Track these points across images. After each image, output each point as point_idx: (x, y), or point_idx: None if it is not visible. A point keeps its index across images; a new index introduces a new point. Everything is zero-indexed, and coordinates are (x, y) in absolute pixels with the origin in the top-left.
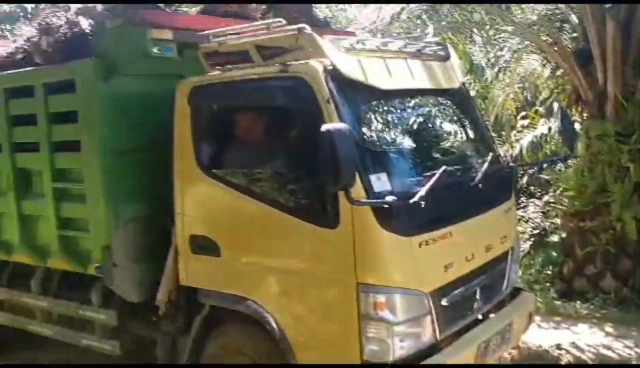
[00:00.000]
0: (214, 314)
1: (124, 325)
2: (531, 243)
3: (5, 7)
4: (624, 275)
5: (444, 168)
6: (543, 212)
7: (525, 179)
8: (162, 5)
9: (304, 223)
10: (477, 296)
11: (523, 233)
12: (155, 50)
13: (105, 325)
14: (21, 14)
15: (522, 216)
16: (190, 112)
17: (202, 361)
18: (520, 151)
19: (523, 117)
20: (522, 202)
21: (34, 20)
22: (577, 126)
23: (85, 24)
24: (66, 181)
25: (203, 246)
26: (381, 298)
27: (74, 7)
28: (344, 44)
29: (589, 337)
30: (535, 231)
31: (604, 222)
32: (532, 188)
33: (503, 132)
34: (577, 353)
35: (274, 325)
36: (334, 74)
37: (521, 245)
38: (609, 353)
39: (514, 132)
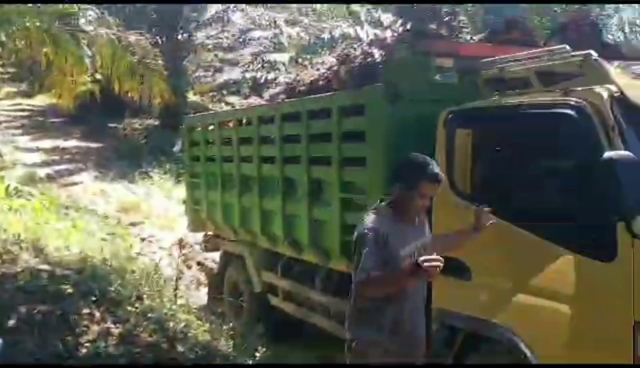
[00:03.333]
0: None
1: None
2: None
3: (305, 37)
4: None
5: None
6: None
7: None
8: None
9: (574, 255)
10: None
11: None
12: (437, 77)
13: None
14: (321, 45)
15: None
16: (445, 137)
17: None
18: None
19: None
20: None
21: (334, 51)
22: None
23: (377, 54)
24: (351, 192)
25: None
26: None
27: (369, 38)
28: (634, 69)
29: None
30: None
31: None
32: None
33: None
34: None
35: (527, 351)
36: (620, 101)
37: None
38: None
39: None
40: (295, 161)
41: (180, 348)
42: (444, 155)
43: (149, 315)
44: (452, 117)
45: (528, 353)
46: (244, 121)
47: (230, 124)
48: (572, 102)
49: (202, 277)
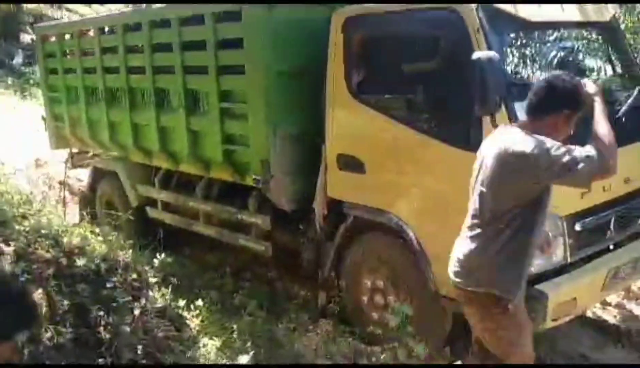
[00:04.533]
0: (356, 225)
1: (276, 230)
2: None
3: None
4: None
5: None
6: None
7: None
8: None
9: (446, 146)
10: (611, 226)
11: None
12: None
13: (260, 228)
14: None
15: None
16: (344, 41)
17: (343, 267)
18: None
19: None
20: None
21: None
22: None
23: None
24: (231, 101)
25: (349, 163)
26: None
27: None
28: None
29: None
30: None
31: None
32: None
33: None
34: None
35: (412, 237)
36: (485, 6)
37: None
38: None
39: None
40: (168, 71)
41: (79, 262)
42: (341, 59)
43: (42, 231)
44: (348, 21)
45: (412, 236)
46: (107, 29)
47: (91, 33)
48: (447, 8)
49: (68, 196)
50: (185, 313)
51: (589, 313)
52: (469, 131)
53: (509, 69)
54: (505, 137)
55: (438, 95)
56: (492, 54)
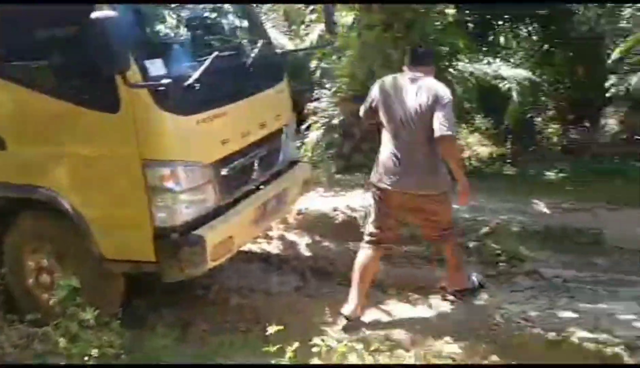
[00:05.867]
0: (6, 206)
1: None
2: (323, 129)
3: None
4: None
5: (215, 53)
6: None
7: (319, 72)
8: None
9: (86, 110)
10: (255, 167)
11: (317, 122)
12: None
13: None
14: None
15: (318, 107)
16: None
17: (4, 251)
18: (311, 44)
19: (312, 12)
20: (317, 94)
21: None
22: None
23: None
24: None
25: None
26: (165, 171)
27: None
28: None
29: (361, 200)
30: (326, 119)
31: None
32: (324, 80)
33: (294, 27)
34: (350, 212)
35: (68, 207)
36: None
37: (316, 133)
38: None
39: (302, 26)
40: None
41: None
42: None
43: None
44: None
45: (67, 206)
46: None
47: None
48: None
49: None
50: None
51: (255, 248)
52: (105, 92)
53: (145, 28)
54: (427, 82)
55: (71, 60)
56: (111, 13)
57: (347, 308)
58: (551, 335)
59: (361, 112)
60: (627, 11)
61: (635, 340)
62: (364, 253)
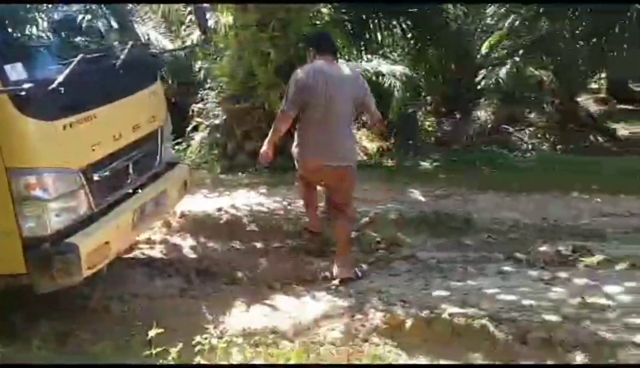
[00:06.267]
0: None
1: None
2: (208, 130)
3: None
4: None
5: (81, 55)
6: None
7: (202, 73)
8: None
9: None
10: (130, 171)
11: (202, 123)
12: None
13: None
14: None
15: (203, 108)
16: None
17: None
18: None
19: (190, 13)
20: (201, 95)
21: None
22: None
23: None
24: None
25: None
26: (32, 179)
27: None
28: None
29: (245, 199)
30: (210, 120)
31: (254, 103)
32: (208, 80)
33: (174, 28)
34: (234, 212)
35: None
36: None
37: (201, 134)
38: (261, 207)
39: (183, 27)
40: None
41: None
42: None
43: None
44: None
45: None
46: None
47: None
48: None
49: None
50: None
51: (138, 253)
52: None
53: (5, 30)
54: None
55: None
56: None
57: (309, 224)
58: (425, 313)
59: (287, 106)
60: (490, 9)
61: (498, 311)
62: (301, 185)
